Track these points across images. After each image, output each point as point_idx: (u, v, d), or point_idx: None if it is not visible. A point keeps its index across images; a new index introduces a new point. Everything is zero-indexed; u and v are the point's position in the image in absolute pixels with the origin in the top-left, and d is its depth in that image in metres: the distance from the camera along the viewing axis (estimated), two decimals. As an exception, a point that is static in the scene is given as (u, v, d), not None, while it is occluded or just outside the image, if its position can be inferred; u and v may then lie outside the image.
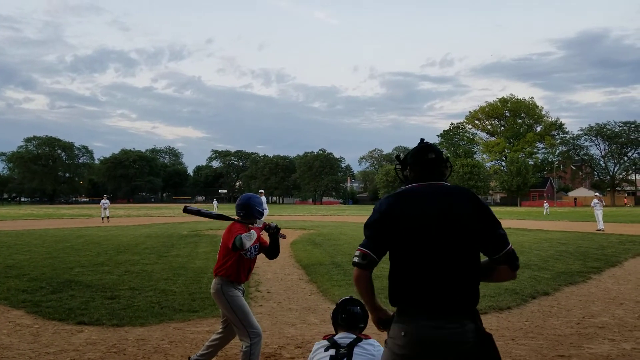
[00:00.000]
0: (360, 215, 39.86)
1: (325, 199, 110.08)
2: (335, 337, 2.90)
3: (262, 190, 17.27)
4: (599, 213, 20.67)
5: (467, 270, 2.11)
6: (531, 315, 6.15)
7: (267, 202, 16.93)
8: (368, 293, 2.21)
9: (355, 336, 2.88)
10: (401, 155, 2.38)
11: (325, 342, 2.89)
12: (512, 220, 30.15)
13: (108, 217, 28.41)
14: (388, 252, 2.19)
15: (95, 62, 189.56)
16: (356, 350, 2.76)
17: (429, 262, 2.09)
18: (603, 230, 19.59)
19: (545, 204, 44.20)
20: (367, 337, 2.92)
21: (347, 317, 3.00)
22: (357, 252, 2.16)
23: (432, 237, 2.09)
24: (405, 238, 2.12)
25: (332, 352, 2.77)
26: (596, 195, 22.21)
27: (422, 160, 2.25)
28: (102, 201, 29.47)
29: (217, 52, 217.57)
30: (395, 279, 2.16)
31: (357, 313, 3.00)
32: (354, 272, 2.18)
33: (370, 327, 2.80)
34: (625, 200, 75.96)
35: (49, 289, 7.46)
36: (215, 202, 57.79)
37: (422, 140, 2.35)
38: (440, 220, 2.10)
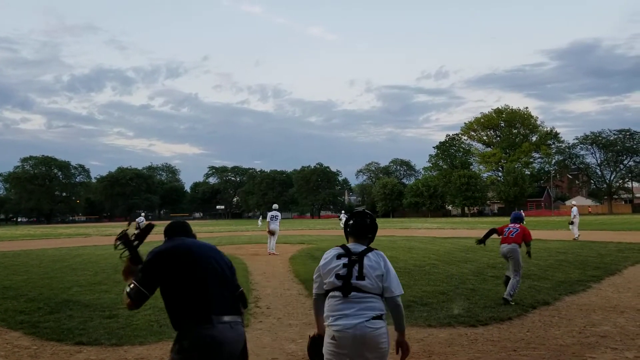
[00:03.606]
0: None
1: (323, 212, 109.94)
2: (348, 245, 3.16)
3: (275, 205, 17.64)
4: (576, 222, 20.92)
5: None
6: (532, 326, 6.13)
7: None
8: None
9: (365, 247, 3.13)
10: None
11: (339, 250, 3.13)
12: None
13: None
14: None
15: (92, 81, 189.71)
16: (365, 259, 3.02)
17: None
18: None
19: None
20: (375, 249, 3.14)
21: (356, 226, 3.24)
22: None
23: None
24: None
25: (345, 260, 3.03)
26: (574, 205, 22.37)
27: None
28: (138, 218, 29.95)
29: (214, 68, 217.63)
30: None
31: (366, 224, 3.24)
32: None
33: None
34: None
35: (47, 310, 7.40)
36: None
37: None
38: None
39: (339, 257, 3.08)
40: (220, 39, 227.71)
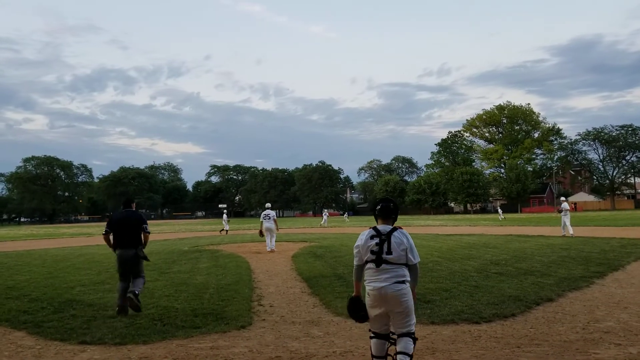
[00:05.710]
0: (360, 226, 39.72)
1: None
2: (378, 227, 4.07)
3: (268, 204, 17.75)
4: (566, 219, 20.46)
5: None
6: (536, 322, 6.12)
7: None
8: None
9: (391, 227, 4.05)
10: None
11: (371, 232, 4.05)
12: (513, 227, 30.13)
13: (227, 230, 31.39)
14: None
15: (94, 81, 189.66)
16: (392, 237, 3.97)
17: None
18: (572, 235, 19.51)
19: (499, 210, 46.58)
20: (400, 228, 4.06)
21: (382, 209, 4.17)
22: None
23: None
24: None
25: (377, 240, 3.99)
26: (564, 201, 22.03)
27: None
28: (223, 216, 34.26)
29: (216, 67, 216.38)
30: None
31: (390, 207, 4.20)
32: None
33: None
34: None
35: (50, 309, 7.42)
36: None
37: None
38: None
39: (372, 237, 4.02)
40: (221, 38, 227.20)
